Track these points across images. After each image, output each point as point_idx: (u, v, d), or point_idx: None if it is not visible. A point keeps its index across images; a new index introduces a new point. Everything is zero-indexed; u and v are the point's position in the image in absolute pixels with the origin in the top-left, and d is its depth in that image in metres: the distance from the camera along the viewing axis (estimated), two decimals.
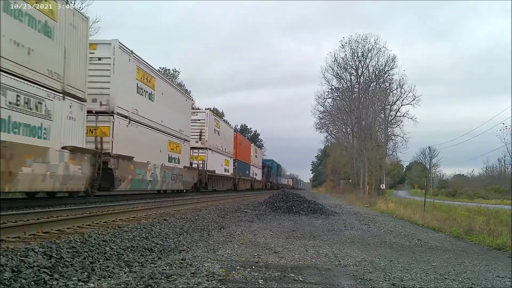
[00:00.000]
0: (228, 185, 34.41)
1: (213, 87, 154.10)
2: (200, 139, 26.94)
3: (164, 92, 18.92)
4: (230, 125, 45.55)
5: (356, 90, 48.74)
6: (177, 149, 20.83)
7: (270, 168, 66.13)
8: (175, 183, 20.38)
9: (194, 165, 25.00)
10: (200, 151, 26.80)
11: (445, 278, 5.71)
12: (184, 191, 23.45)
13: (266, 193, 35.39)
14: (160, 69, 58.17)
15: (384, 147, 50.01)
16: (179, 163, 20.91)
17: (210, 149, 27.67)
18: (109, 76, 14.09)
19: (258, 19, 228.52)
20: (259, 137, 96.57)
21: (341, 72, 48.48)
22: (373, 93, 47.70)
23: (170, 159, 19.77)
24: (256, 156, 50.93)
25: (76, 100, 11.81)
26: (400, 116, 49.29)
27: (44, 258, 4.57)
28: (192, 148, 25.20)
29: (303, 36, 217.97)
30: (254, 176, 48.60)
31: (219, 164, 30.84)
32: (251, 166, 46.60)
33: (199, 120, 27.07)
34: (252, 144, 51.74)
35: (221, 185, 31.44)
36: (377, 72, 47.38)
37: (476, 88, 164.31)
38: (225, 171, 32.99)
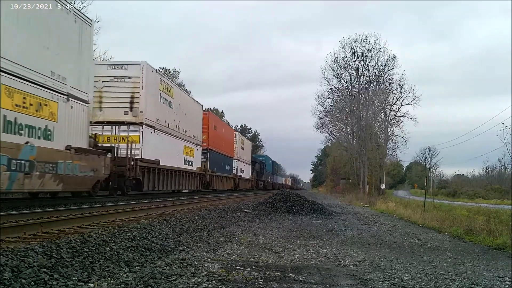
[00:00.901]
0: (193, 184, 24.17)
1: (213, 87, 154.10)
2: (131, 108, 16.95)
3: None
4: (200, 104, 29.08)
5: (356, 90, 48.68)
6: (41, 111, 10.57)
7: (263, 164, 56.91)
8: (31, 180, 10.04)
9: (125, 152, 15.67)
10: (132, 127, 16.94)
11: (445, 278, 5.71)
12: (86, 193, 14.12)
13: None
14: (160, 69, 58.14)
15: (384, 147, 50.01)
16: (49, 139, 10.84)
17: (149, 126, 17.66)
18: None
19: (258, 19, 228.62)
20: (259, 137, 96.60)
21: (341, 72, 48.41)
22: (373, 93, 47.67)
23: (14, 127, 9.55)
24: (242, 149, 41.22)
25: None
26: (400, 116, 49.29)
27: (44, 258, 4.57)
28: (116, 123, 16.84)
29: (303, 36, 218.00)
30: (240, 173, 39.07)
31: (173, 153, 20.62)
32: (235, 161, 37.00)
33: (129, 78, 17.05)
34: (237, 133, 41.32)
35: (176, 184, 20.94)
36: (377, 72, 47.32)
37: (476, 88, 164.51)
38: (186, 164, 22.57)
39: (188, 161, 23.30)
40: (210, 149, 28.27)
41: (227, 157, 34.11)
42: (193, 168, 24.19)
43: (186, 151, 22.98)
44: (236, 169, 37.67)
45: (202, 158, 26.39)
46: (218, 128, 31.43)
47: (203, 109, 28.07)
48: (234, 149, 37.26)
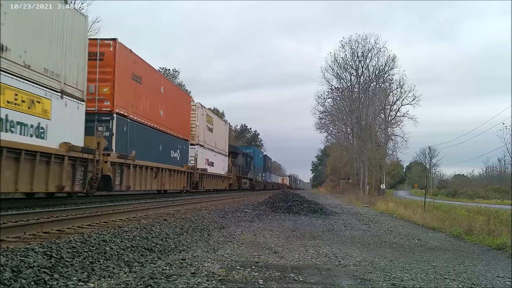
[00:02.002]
0: (53, 178, 10.85)
1: (213, 87, 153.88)
2: None
3: None
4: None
5: (356, 90, 48.75)
6: None
7: (250, 158, 44.58)
8: None
9: None
10: None
11: (445, 278, 5.71)
12: None
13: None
14: (160, 69, 58.34)
15: (384, 147, 50.04)
16: None
17: None
18: None
19: (258, 19, 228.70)
20: (259, 137, 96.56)
21: (341, 72, 48.48)
22: (373, 93, 47.70)
23: None
24: (210, 131, 28.04)
25: None
26: (400, 116, 49.35)
27: (44, 258, 4.57)
28: None
29: (303, 36, 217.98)
30: (204, 166, 26.13)
31: None
32: (195, 147, 24.48)
33: None
34: (199, 104, 26.34)
35: None
36: (377, 72, 47.36)
37: (476, 88, 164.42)
38: (12, 130, 9.22)
39: (28, 125, 9.91)
40: (120, 114, 14.83)
41: (173, 138, 20.74)
42: (49, 143, 10.73)
43: (18, 101, 9.57)
44: (196, 159, 24.30)
45: (100, 130, 14.07)
46: (146, 83, 17.22)
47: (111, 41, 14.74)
48: (192, 128, 24.48)
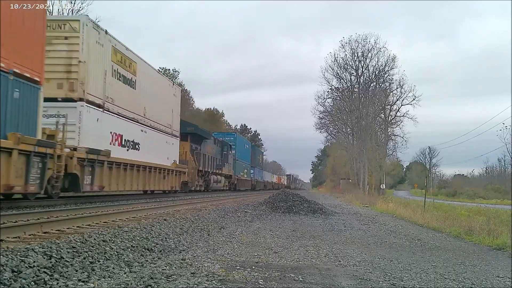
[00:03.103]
0: None
1: (213, 87, 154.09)
2: None
3: None
4: None
5: (356, 90, 48.79)
6: None
7: (229, 147, 33.89)
8: None
9: None
10: None
11: (445, 278, 5.71)
12: None
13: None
14: (160, 69, 58.33)
15: (384, 147, 50.07)
16: None
17: None
18: None
19: (258, 19, 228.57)
20: (259, 136, 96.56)
21: (341, 72, 48.54)
22: (373, 93, 47.74)
23: None
24: (128, 84, 15.07)
25: None
26: (400, 116, 49.45)
27: (44, 258, 4.57)
28: None
29: (303, 36, 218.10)
30: (107, 147, 13.19)
31: None
32: (75, 105, 11.83)
33: None
34: (91, 21, 12.61)
35: None
36: (377, 72, 47.40)
37: (476, 88, 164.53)
38: None
39: None
40: None
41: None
42: None
43: None
44: (65, 126, 10.88)
45: None
46: None
47: None
48: (65, 63, 12.04)
